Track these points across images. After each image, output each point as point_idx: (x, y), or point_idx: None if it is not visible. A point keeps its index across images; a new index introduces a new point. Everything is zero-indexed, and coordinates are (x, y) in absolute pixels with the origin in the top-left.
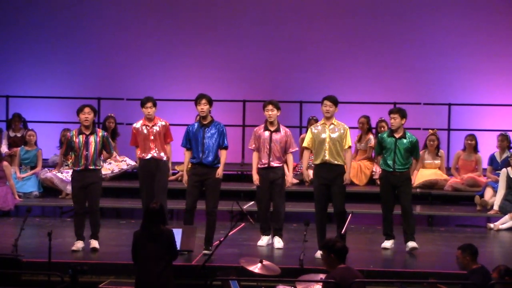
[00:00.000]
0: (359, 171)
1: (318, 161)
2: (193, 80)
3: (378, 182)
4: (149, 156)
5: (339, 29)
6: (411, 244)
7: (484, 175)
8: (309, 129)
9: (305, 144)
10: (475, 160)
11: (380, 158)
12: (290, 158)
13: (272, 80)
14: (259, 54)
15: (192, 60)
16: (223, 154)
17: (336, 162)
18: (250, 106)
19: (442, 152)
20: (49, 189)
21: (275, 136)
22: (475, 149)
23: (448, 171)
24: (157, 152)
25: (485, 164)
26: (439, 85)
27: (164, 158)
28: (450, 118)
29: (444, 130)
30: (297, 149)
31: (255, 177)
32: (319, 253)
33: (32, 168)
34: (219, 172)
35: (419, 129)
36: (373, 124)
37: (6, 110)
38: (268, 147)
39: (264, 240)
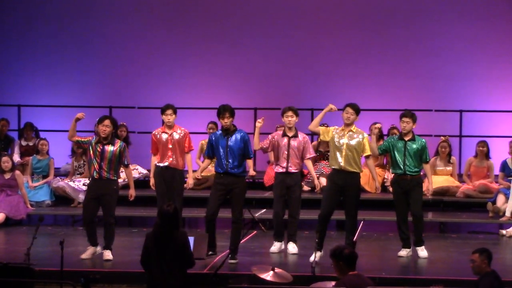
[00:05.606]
0: (371, 178)
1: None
2: (203, 88)
3: (390, 189)
4: (166, 163)
5: (349, 36)
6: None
7: (496, 182)
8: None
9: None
10: (487, 166)
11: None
12: (309, 164)
13: (283, 87)
14: (270, 62)
15: (203, 69)
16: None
17: (351, 169)
18: (261, 114)
19: (454, 158)
20: (61, 198)
21: (293, 142)
22: (486, 155)
23: (460, 177)
24: (175, 160)
25: (497, 170)
26: (450, 91)
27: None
28: (461, 125)
29: (455, 136)
30: (314, 155)
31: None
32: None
33: (44, 177)
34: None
35: (431, 135)
36: (385, 131)
37: (18, 119)
38: (286, 152)
39: (276, 246)
